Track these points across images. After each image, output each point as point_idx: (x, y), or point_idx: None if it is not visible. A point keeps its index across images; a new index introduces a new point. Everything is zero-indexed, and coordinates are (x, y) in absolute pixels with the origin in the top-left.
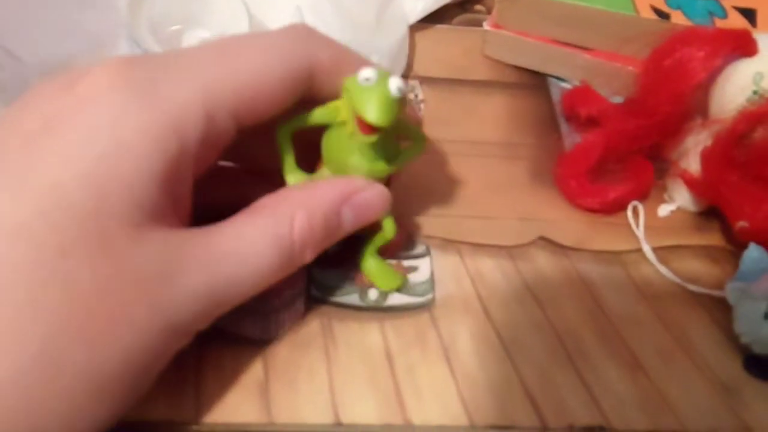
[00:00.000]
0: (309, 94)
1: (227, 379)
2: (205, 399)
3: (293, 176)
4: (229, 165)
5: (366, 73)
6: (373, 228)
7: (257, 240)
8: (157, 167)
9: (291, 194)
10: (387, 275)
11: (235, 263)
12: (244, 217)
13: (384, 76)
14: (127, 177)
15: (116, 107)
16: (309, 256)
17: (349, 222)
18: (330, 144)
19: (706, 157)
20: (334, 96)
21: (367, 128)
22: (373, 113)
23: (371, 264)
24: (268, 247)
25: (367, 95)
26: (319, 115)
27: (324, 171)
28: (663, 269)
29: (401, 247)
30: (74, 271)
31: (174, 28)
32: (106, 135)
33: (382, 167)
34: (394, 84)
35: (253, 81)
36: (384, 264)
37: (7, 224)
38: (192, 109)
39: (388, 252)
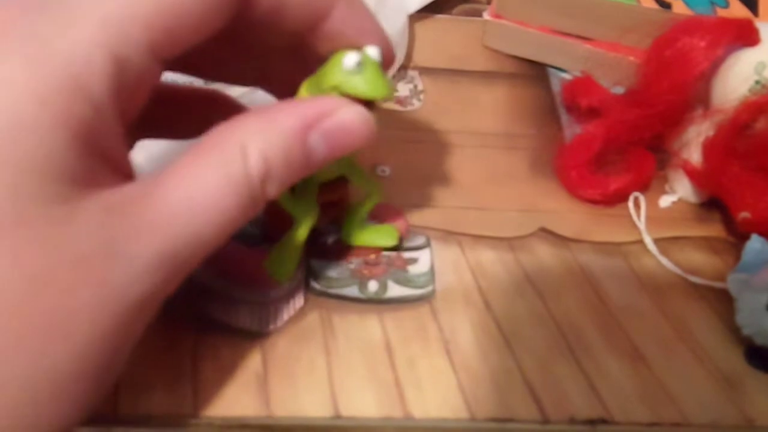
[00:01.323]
0: (246, 9)
1: (225, 372)
2: (202, 392)
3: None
4: (209, 89)
5: (353, 58)
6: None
7: (209, 185)
8: (67, 135)
9: (244, 123)
10: (383, 234)
11: (188, 218)
12: (191, 159)
13: (358, 50)
14: (33, 155)
15: (4, 77)
16: (273, 192)
17: (321, 151)
18: None
19: (708, 147)
20: (275, 10)
21: (366, 106)
22: (377, 89)
23: (362, 232)
24: (222, 191)
25: (359, 75)
26: None
27: (304, 189)
28: (664, 260)
29: (402, 238)
30: None
31: None
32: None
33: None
34: (374, 52)
35: (166, 3)
36: (373, 226)
37: None
38: (94, 57)
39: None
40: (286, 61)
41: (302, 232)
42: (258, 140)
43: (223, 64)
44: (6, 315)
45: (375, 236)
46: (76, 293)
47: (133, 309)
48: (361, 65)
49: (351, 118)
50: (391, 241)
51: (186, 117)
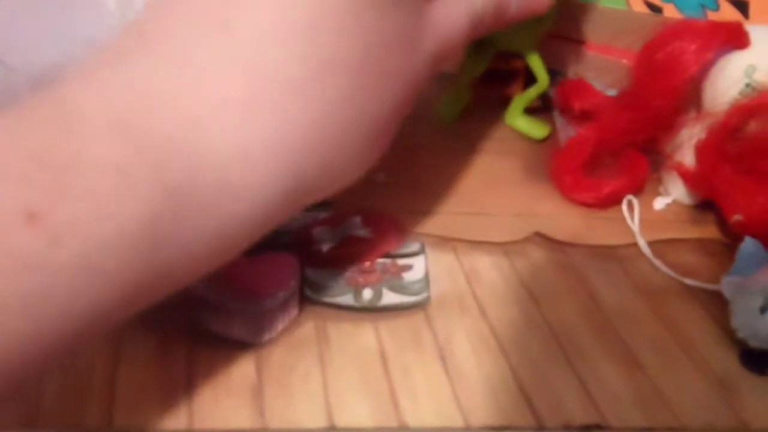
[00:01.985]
0: None
1: (220, 384)
2: (197, 405)
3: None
4: None
5: None
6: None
7: (458, 11)
8: None
9: None
10: (537, 126)
11: (446, 31)
12: None
13: None
14: None
15: None
16: (482, 29)
17: (515, 9)
18: None
19: (700, 150)
20: None
21: None
22: None
23: (519, 116)
24: (464, 18)
25: None
26: None
27: (484, 41)
28: (658, 263)
29: (396, 245)
30: (367, 23)
31: None
32: None
33: (545, 25)
34: None
35: None
36: (530, 117)
37: None
38: None
39: (382, 252)
40: None
41: (466, 75)
42: None
43: None
44: (350, 70)
45: (528, 126)
46: (401, 63)
47: (415, 92)
48: None
49: None
50: (540, 134)
51: None
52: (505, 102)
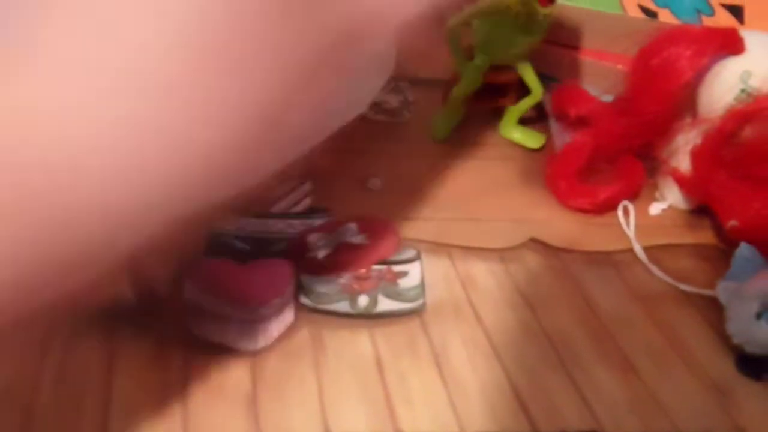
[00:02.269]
0: None
1: (215, 392)
2: (192, 413)
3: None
4: None
5: None
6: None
7: None
8: None
9: None
10: (532, 136)
11: None
12: None
13: None
14: None
15: None
16: None
17: None
18: (487, 32)
19: (696, 155)
20: None
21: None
22: None
23: (514, 128)
24: None
25: None
26: (486, 7)
27: (479, 58)
28: (654, 269)
29: (391, 251)
30: None
31: None
32: None
33: (538, 37)
34: None
35: None
36: (525, 128)
37: None
38: None
39: (378, 258)
40: None
41: (460, 92)
42: None
43: None
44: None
45: (523, 137)
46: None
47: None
48: None
49: None
50: (535, 145)
51: None
52: (498, 113)
